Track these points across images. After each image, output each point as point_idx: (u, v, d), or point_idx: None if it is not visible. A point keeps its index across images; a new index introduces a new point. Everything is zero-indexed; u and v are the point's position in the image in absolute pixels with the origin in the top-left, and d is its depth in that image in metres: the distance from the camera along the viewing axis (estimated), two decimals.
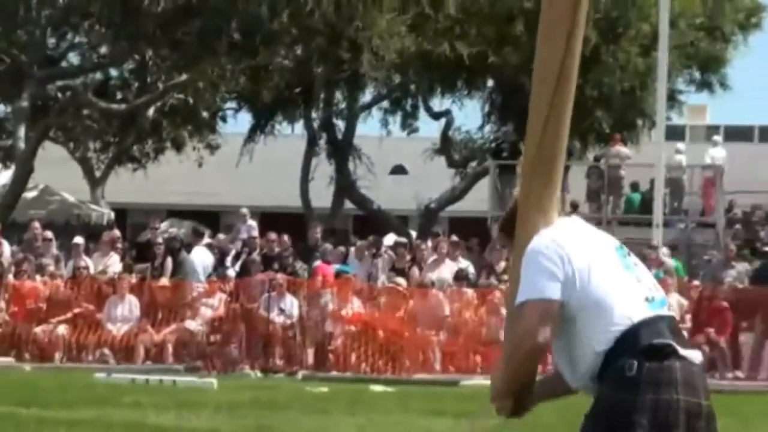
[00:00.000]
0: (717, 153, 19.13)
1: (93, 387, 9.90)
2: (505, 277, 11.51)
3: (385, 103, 22.63)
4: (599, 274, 1.56)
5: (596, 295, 1.55)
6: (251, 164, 21.94)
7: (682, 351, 1.53)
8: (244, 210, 16.88)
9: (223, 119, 23.03)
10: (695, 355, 1.57)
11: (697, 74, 22.28)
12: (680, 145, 20.41)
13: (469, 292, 12.95)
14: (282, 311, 12.36)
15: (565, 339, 1.59)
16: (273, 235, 14.47)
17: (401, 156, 26.42)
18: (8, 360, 12.09)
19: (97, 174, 21.84)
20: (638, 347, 1.50)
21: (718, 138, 22.23)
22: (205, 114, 21.05)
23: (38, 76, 18.53)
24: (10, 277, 12.98)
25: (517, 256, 1.66)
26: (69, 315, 12.49)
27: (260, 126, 22.02)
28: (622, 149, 18.28)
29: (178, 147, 22.10)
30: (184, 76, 18.74)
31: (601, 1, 18.77)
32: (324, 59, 18.85)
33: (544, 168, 1.69)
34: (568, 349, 1.61)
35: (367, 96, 22.16)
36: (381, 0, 17.60)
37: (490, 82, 21.81)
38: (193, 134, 21.95)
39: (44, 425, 7.04)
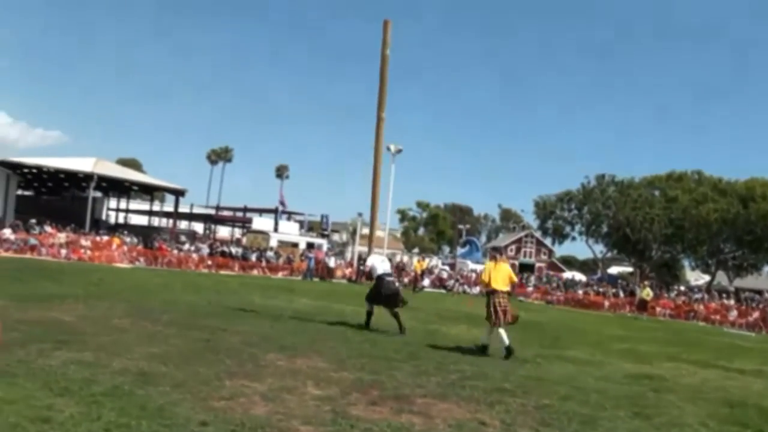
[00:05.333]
0: None
1: None
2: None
3: None
4: (378, 264, 13.16)
5: (377, 266, 13.07)
6: None
7: (388, 278, 12.96)
8: None
9: None
10: (392, 279, 13.18)
11: None
12: None
13: None
14: None
15: (373, 271, 12.98)
16: None
17: None
18: None
19: None
20: (380, 276, 12.83)
21: None
22: None
23: None
24: None
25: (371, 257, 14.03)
26: None
27: None
28: None
29: None
30: None
31: None
32: None
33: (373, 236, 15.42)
34: (375, 273, 12.90)
35: None
36: None
37: None
38: None
39: None
